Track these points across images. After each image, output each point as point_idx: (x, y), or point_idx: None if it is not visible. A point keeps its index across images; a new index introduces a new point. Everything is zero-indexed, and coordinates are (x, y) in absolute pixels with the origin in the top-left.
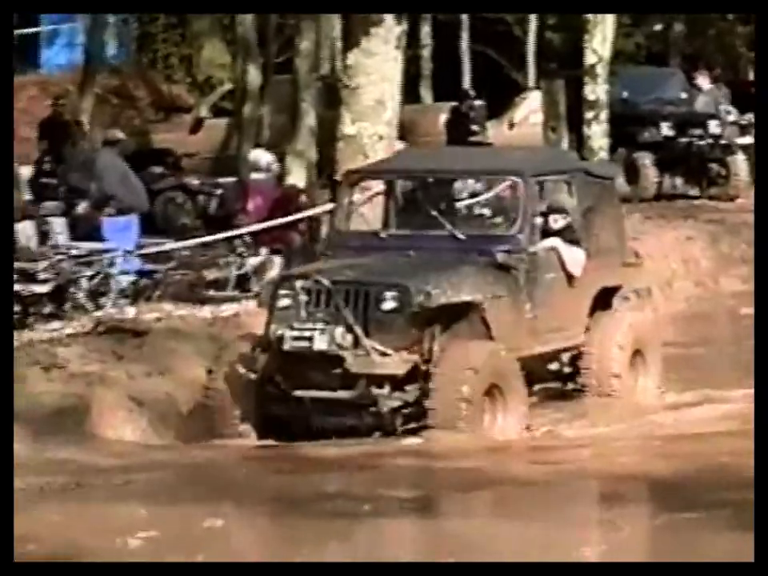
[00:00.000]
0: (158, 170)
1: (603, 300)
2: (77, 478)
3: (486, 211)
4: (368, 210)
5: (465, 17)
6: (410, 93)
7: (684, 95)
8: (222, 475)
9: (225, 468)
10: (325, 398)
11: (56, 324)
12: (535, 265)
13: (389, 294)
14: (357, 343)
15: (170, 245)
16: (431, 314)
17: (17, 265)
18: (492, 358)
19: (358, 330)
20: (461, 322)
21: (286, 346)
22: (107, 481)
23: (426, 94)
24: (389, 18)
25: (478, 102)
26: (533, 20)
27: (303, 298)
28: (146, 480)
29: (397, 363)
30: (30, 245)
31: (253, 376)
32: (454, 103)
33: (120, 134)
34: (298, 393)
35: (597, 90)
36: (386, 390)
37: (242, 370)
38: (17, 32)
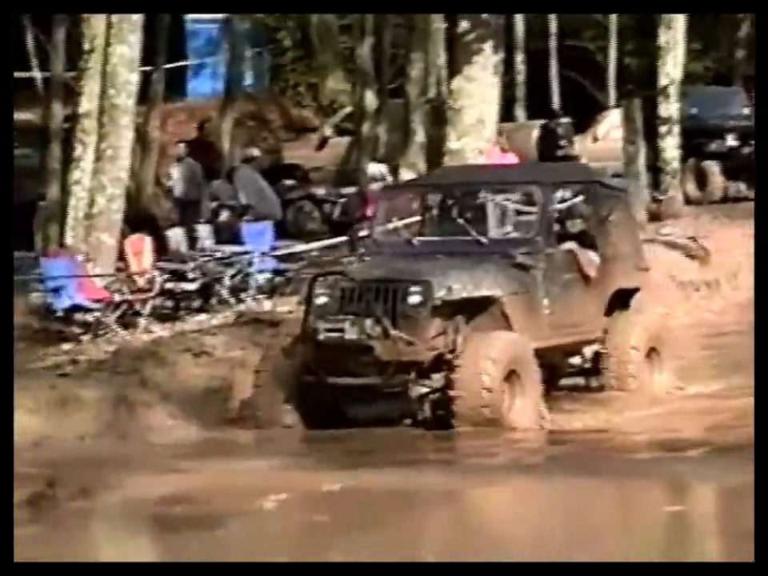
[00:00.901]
0: (289, 182)
1: (621, 301)
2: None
3: (509, 218)
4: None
5: (554, 46)
6: (506, 112)
7: (746, 111)
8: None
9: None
10: (357, 385)
11: (203, 316)
12: (552, 265)
13: (413, 289)
14: (385, 334)
15: (300, 247)
16: (453, 308)
17: (170, 266)
18: (511, 347)
19: (386, 322)
20: (482, 315)
21: (321, 337)
22: (248, 454)
23: (521, 113)
24: (487, 48)
25: (565, 120)
26: (613, 47)
27: (336, 294)
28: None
29: (421, 351)
30: (181, 249)
31: (292, 367)
32: (544, 121)
33: (256, 152)
34: (332, 380)
35: (669, 108)
36: (413, 375)
37: (283, 362)
38: (167, 66)
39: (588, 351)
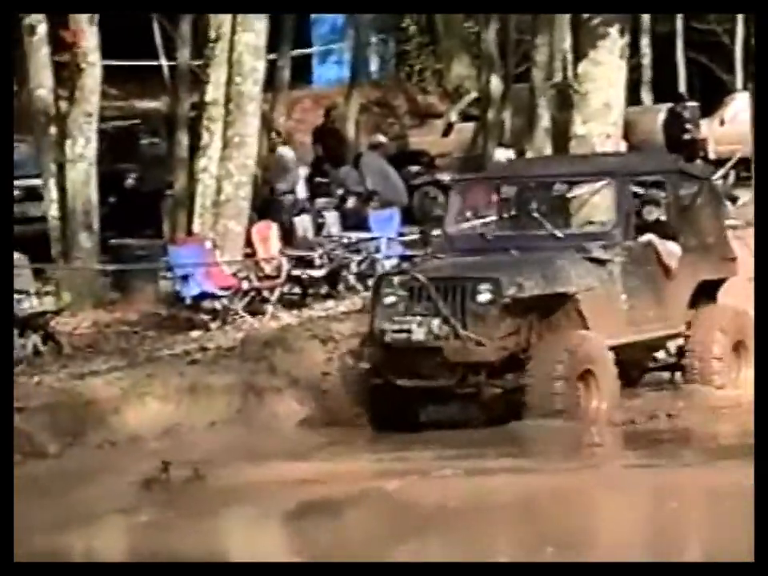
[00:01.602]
0: (414, 168)
1: (707, 293)
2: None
3: (584, 211)
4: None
5: (680, 29)
6: (632, 96)
7: None
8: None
9: None
10: (427, 387)
11: (330, 303)
12: (631, 258)
13: (483, 287)
14: (454, 334)
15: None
16: (525, 305)
17: (297, 252)
18: (585, 345)
19: (454, 321)
20: (557, 312)
21: (388, 339)
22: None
23: (647, 97)
24: (613, 32)
25: (691, 104)
26: (740, 29)
27: (403, 293)
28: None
29: (491, 351)
30: (308, 235)
31: (362, 369)
32: (670, 105)
33: (382, 139)
34: (401, 382)
35: None
36: (483, 376)
37: (351, 363)
38: (293, 53)
39: (672, 346)
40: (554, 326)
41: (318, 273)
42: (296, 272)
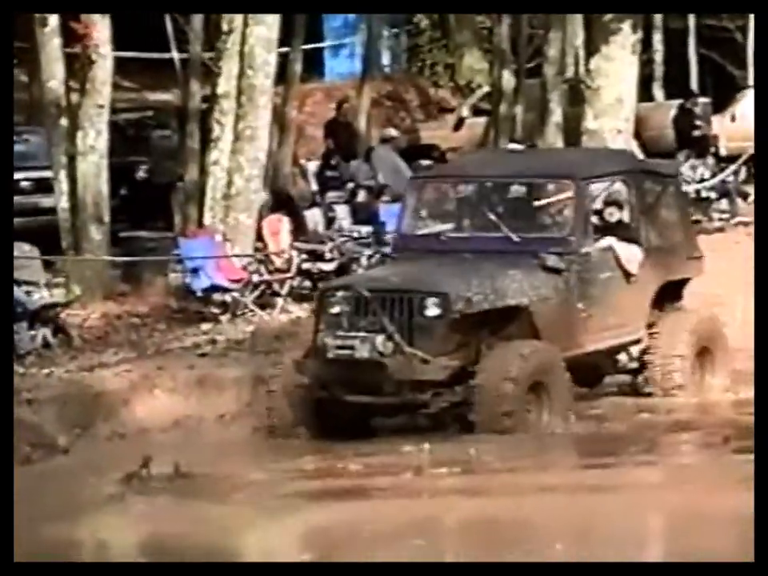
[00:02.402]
0: (425, 162)
1: (672, 293)
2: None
3: (541, 214)
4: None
5: (692, 25)
6: (644, 92)
7: None
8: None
9: None
10: (373, 403)
11: None
12: (588, 265)
13: (430, 301)
14: (398, 351)
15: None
16: (474, 319)
17: (307, 246)
18: (535, 357)
19: (398, 338)
20: (509, 324)
21: (330, 355)
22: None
23: (658, 93)
24: (626, 27)
25: (702, 100)
26: (752, 25)
27: (347, 307)
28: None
29: (437, 369)
30: (318, 229)
31: (305, 382)
32: (681, 101)
33: (394, 132)
34: (349, 398)
35: None
36: (429, 394)
37: (295, 377)
38: (305, 46)
39: (635, 349)
40: (505, 338)
41: (328, 266)
42: (306, 265)
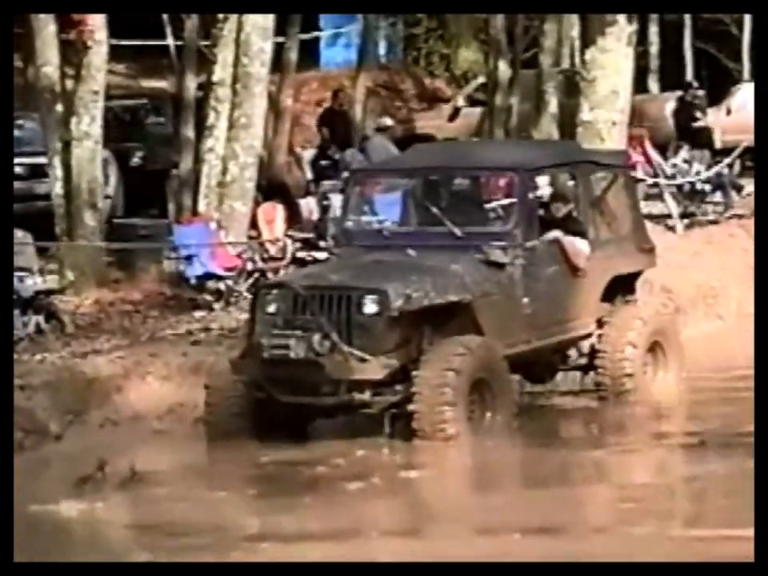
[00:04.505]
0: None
1: (624, 286)
2: None
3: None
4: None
5: (688, 19)
6: (639, 84)
7: None
8: None
9: None
10: (311, 403)
11: None
12: (533, 259)
13: (368, 299)
14: (335, 350)
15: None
16: (415, 316)
17: (302, 234)
18: (477, 353)
19: (335, 336)
20: (451, 321)
21: (265, 354)
22: None
23: (654, 85)
24: (621, 19)
25: (698, 92)
26: (747, 18)
27: (283, 305)
28: None
29: (375, 368)
30: (313, 218)
31: (241, 383)
32: (678, 93)
33: (389, 122)
34: (285, 398)
35: None
36: (367, 394)
37: (231, 377)
38: (301, 35)
39: (585, 344)
40: (448, 335)
41: (322, 255)
42: (301, 254)
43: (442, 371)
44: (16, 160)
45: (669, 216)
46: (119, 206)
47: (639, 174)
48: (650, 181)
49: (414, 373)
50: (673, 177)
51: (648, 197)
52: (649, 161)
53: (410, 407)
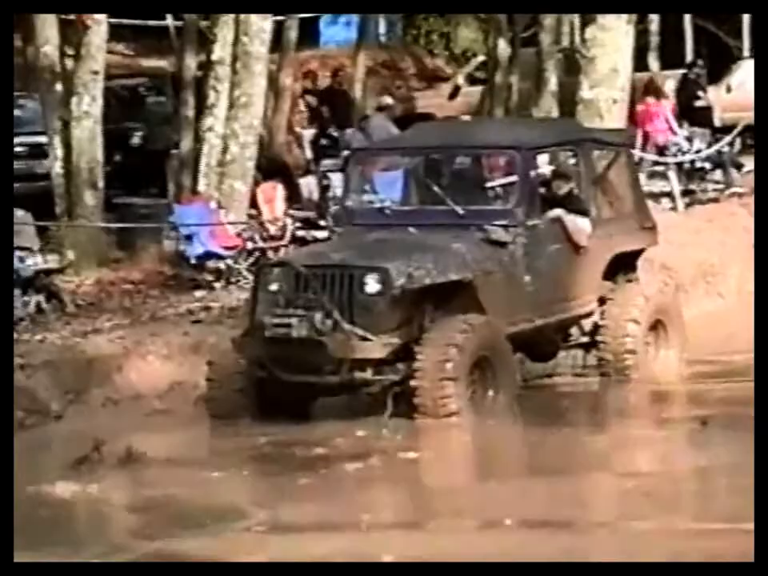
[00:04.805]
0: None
1: (626, 264)
2: None
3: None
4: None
5: None
6: (639, 62)
7: None
8: None
9: None
10: (313, 382)
11: None
12: (535, 238)
13: (371, 277)
14: (337, 328)
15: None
16: (416, 295)
17: (302, 214)
18: (480, 330)
19: (336, 315)
20: (453, 299)
21: (268, 333)
22: None
23: (654, 63)
24: None
25: (701, 71)
26: None
27: (285, 283)
28: None
29: (377, 347)
30: (313, 197)
31: (243, 362)
32: (681, 71)
33: (389, 101)
34: (287, 377)
35: None
36: (369, 373)
37: (233, 355)
38: (300, 14)
39: (587, 323)
40: (449, 314)
41: (322, 234)
42: (300, 233)
43: (445, 347)
44: (16, 140)
45: (668, 194)
46: None
47: (661, 142)
48: (654, 158)
49: (416, 349)
50: (674, 155)
51: (652, 175)
52: (672, 130)
53: (412, 383)
